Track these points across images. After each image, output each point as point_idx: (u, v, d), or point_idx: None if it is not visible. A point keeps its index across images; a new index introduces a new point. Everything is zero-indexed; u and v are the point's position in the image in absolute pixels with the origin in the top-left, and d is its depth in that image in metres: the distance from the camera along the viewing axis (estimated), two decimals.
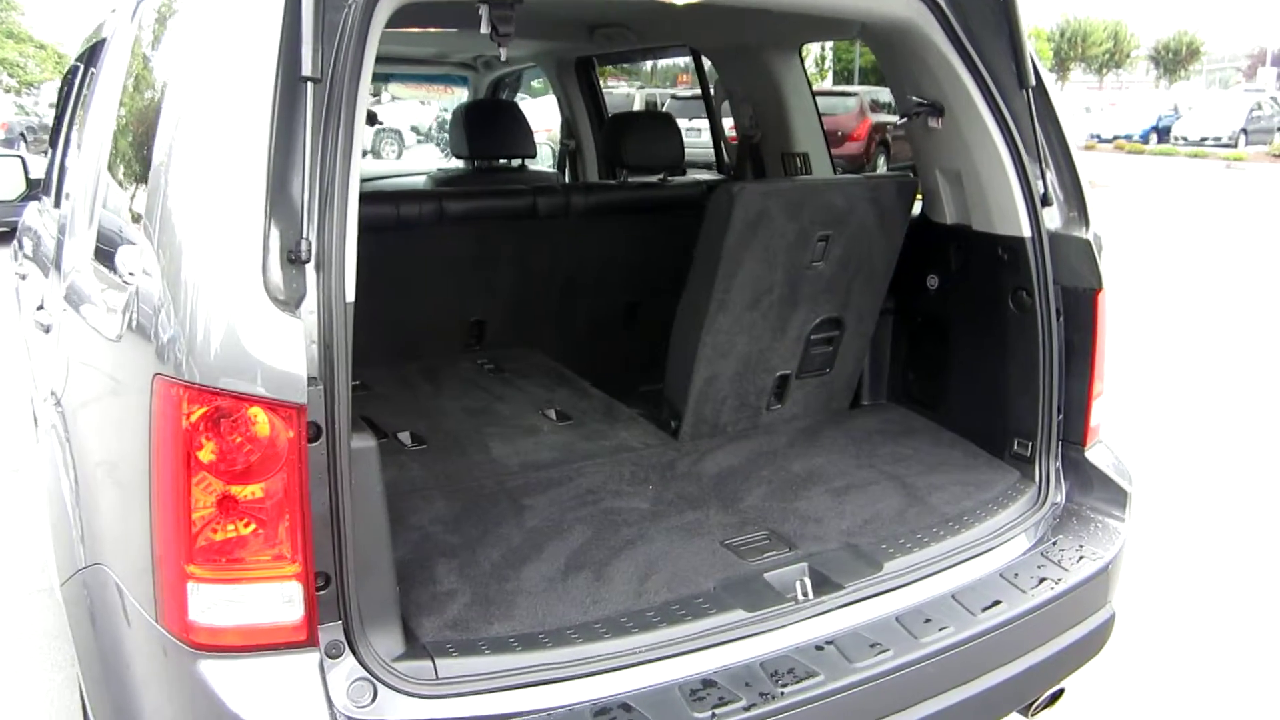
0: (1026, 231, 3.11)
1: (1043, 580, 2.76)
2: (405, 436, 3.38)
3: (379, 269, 3.92)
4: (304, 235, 2.02)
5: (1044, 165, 3.07)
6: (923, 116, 3.27)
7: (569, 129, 6.14)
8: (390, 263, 3.93)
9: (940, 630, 2.49)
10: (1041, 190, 3.09)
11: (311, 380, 2.03)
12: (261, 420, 1.96)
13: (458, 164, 5.86)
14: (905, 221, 3.50)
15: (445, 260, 4.03)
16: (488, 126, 5.27)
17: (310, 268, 2.05)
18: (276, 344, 1.95)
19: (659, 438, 3.48)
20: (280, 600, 2.03)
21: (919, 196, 3.54)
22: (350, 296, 2.11)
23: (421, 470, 3.17)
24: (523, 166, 5.78)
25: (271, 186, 2.01)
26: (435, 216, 3.92)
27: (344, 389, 2.07)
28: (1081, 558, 2.89)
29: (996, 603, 2.64)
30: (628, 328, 4.49)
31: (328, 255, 2.06)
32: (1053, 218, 3.13)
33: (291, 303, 2.02)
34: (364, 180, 2.43)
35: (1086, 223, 3.08)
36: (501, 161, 5.64)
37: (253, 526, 1.98)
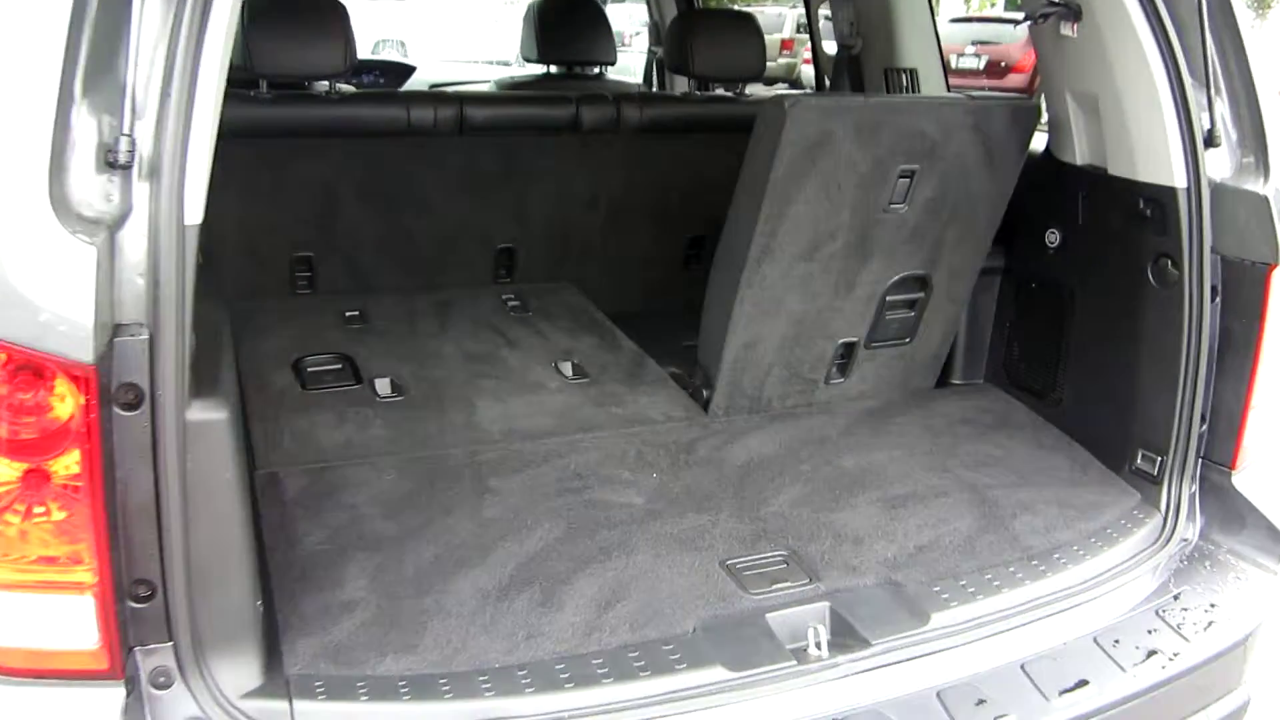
0: (1180, 180, 2.32)
1: (1152, 654, 2.05)
2: (383, 384, 2.85)
3: (385, 182, 3.36)
4: (126, 131, 1.47)
5: (1213, 93, 2.27)
6: (1053, 20, 2.49)
7: (657, 34, 5.42)
8: (400, 176, 3.37)
9: None
10: (1206, 126, 2.29)
11: (123, 329, 1.49)
12: (37, 382, 1.43)
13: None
14: (1020, 158, 2.72)
15: (467, 176, 3.44)
16: (563, 26, 4.63)
17: (135, 176, 1.49)
18: (57, 279, 1.41)
19: (686, 409, 2.85)
20: (68, 616, 1.53)
21: (1041, 127, 2.75)
22: (194, 217, 1.54)
23: (384, 430, 2.63)
24: (601, 75, 5.13)
25: (77, 59, 1.45)
26: (454, 124, 3.32)
27: (175, 340, 1.51)
28: (1211, 622, 2.16)
29: (1082, 683, 1.95)
30: (688, 268, 3.83)
31: (162, 160, 1.50)
32: (1219, 164, 2.34)
33: (105, 222, 1.48)
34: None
35: (1266, 173, 2.29)
36: (580, 69, 5.01)
37: (21, 520, 1.47)
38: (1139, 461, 2.53)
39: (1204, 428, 2.40)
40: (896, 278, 2.81)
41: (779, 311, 2.73)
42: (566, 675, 1.79)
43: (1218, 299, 2.33)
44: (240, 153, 3.12)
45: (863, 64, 3.80)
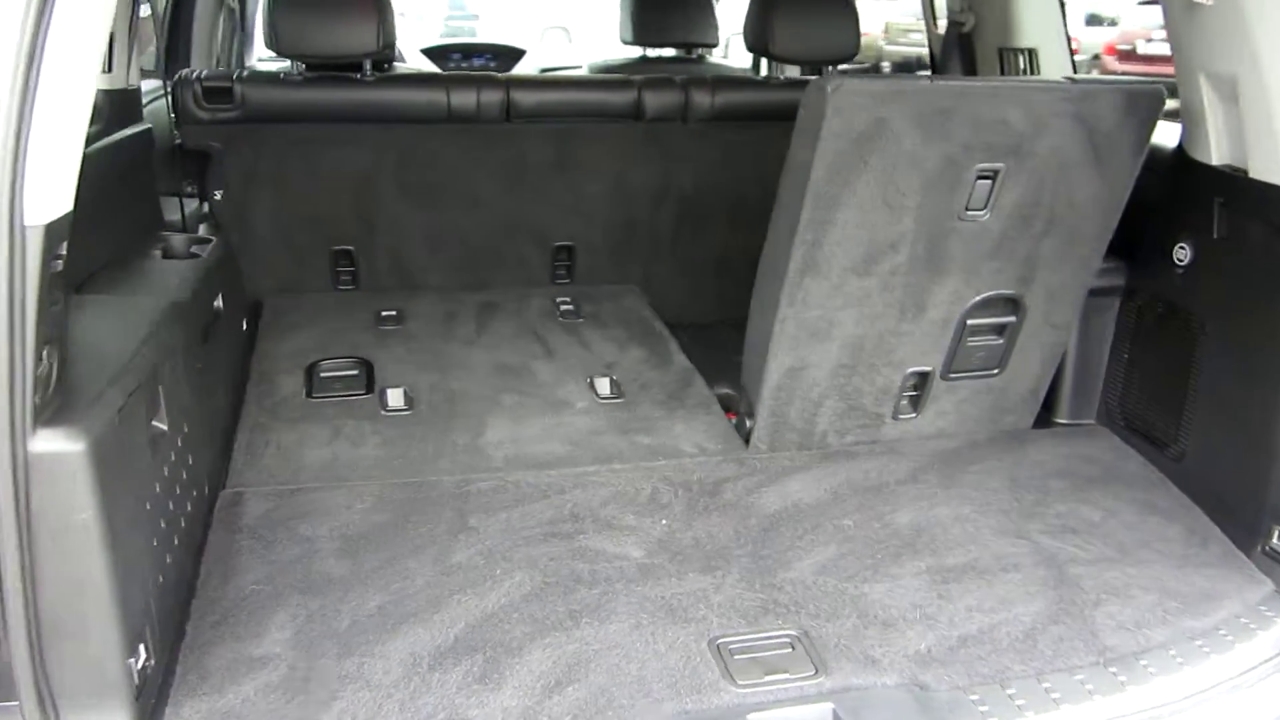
0: None
1: None
2: (395, 395, 2.59)
3: (427, 171, 3.11)
4: None
5: None
6: None
7: None
8: (443, 165, 3.10)
9: None
10: None
11: None
12: None
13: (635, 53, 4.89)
14: (1137, 155, 2.22)
15: (516, 167, 3.14)
16: (659, 6, 4.30)
17: None
18: None
19: (725, 441, 2.48)
20: None
21: (1164, 116, 2.24)
22: (38, 217, 1.29)
23: (377, 449, 2.36)
24: (701, 59, 4.76)
25: None
26: (499, 110, 3.03)
27: (7, 358, 1.27)
28: None
29: None
30: None
31: None
32: None
33: None
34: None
35: None
36: (682, 52, 4.67)
37: None
38: (1275, 539, 2.02)
39: None
40: (979, 298, 2.35)
41: (830, 334, 2.32)
42: None
43: None
44: (272, 138, 2.95)
45: (975, 43, 3.30)
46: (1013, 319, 2.41)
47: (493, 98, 3.02)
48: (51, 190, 1.34)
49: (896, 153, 2.06)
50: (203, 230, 3.01)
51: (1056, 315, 2.43)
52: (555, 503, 2.17)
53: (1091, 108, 2.11)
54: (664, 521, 2.14)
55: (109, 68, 2.54)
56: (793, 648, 1.78)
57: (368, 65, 2.96)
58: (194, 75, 2.88)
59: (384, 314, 3.10)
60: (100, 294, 2.09)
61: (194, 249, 2.50)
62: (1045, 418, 2.68)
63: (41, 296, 1.34)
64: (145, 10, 2.86)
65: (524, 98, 3.04)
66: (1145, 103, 2.15)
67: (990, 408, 2.56)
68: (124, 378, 1.59)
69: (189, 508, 1.90)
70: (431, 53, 6.34)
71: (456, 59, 6.36)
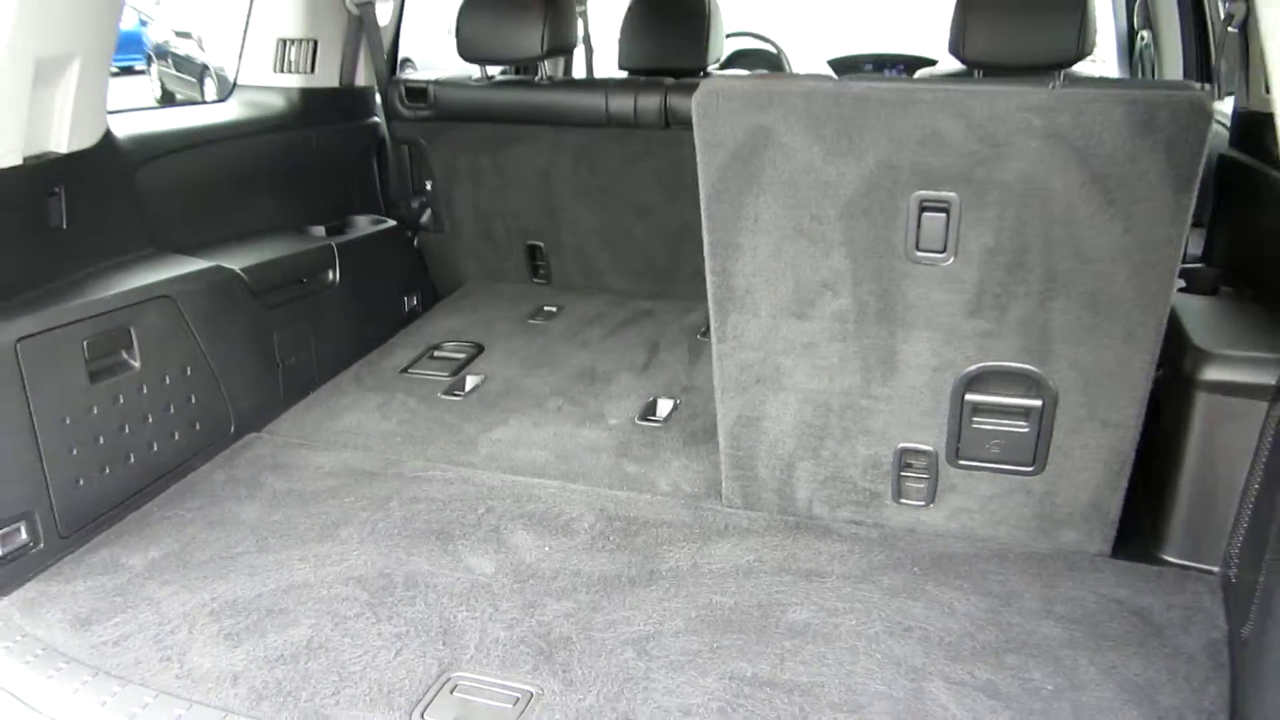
0: None
1: None
2: (468, 382, 2.77)
3: (594, 174, 3.18)
4: None
5: None
6: None
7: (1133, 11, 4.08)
8: (607, 169, 3.13)
9: None
10: None
11: None
12: None
13: None
14: (1184, 188, 1.57)
15: (678, 175, 3.04)
16: (660, 29, 3.37)
17: None
18: None
19: (705, 488, 2.25)
20: None
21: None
22: None
23: (393, 425, 2.56)
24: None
25: None
26: (657, 116, 2.99)
27: None
28: None
29: None
30: None
31: None
32: None
33: None
34: None
35: None
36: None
37: None
38: None
39: None
40: (974, 368, 1.83)
41: (782, 383, 1.98)
42: None
43: None
44: (463, 136, 3.24)
45: (1248, 40, 2.44)
46: (1037, 403, 1.84)
47: (650, 103, 2.99)
48: None
49: (792, 169, 1.70)
50: (425, 218, 3.43)
51: (1105, 408, 1.80)
52: (474, 505, 2.17)
53: (1074, 122, 1.54)
54: (546, 548, 2.03)
55: (311, 69, 3.01)
56: (514, 704, 1.62)
57: (544, 68, 3.10)
58: (398, 77, 3.27)
59: (545, 309, 3.25)
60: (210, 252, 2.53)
61: (350, 233, 2.96)
62: (1150, 552, 1.99)
63: None
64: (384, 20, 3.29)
65: (681, 103, 2.95)
66: (1171, 115, 1.50)
67: (1033, 515, 1.97)
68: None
69: (158, 433, 2.23)
70: (839, 64, 6.18)
71: (868, 69, 6.12)
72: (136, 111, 2.69)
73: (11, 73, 1.92)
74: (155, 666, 1.71)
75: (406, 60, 6.83)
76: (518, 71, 3.41)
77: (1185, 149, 1.54)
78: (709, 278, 1.90)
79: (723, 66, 4.84)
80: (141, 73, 13.31)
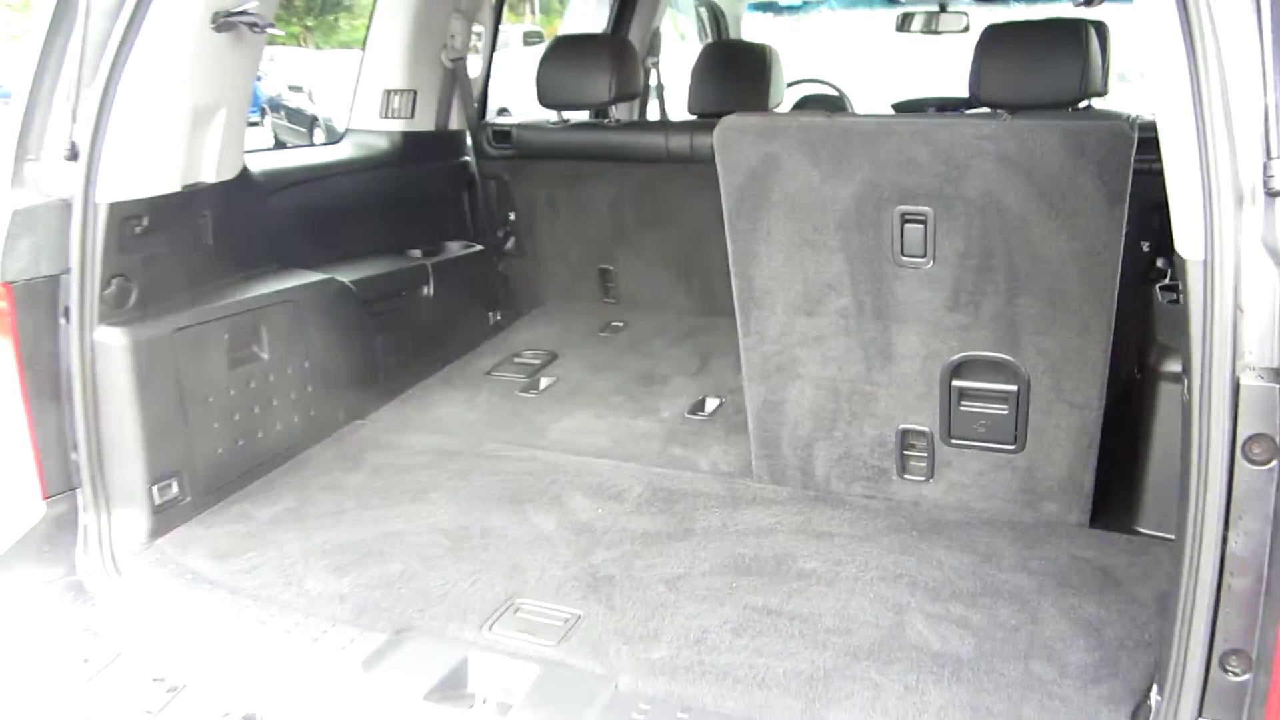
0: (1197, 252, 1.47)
1: None
2: (542, 382, 3.17)
3: (658, 207, 3.59)
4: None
5: None
6: None
7: None
8: (670, 202, 3.53)
9: None
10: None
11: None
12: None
13: None
14: (1114, 200, 1.88)
15: None
16: (724, 76, 3.80)
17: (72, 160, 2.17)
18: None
19: (739, 466, 2.59)
20: None
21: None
22: (108, 195, 2.14)
23: (475, 414, 2.96)
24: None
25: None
26: (711, 152, 3.37)
27: (86, 277, 2.14)
28: None
29: None
30: None
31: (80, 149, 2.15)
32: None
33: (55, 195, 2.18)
34: None
35: None
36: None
37: None
38: None
39: None
40: (957, 358, 2.16)
41: (798, 372, 2.33)
42: None
43: None
44: (541, 172, 3.69)
45: None
46: (1014, 388, 2.15)
47: (704, 142, 3.37)
48: (118, 176, 2.18)
49: (796, 189, 2.06)
50: (509, 245, 3.88)
51: (1070, 391, 2.11)
52: (541, 478, 2.56)
53: (1020, 148, 1.87)
54: (600, 510, 2.40)
55: (412, 115, 3.50)
56: (564, 622, 1.98)
57: (613, 112, 3.53)
58: (486, 121, 3.74)
59: (613, 323, 3.65)
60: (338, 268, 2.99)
61: (443, 255, 3.40)
62: (1126, 525, 2.27)
63: (108, 248, 2.19)
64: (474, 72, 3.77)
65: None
66: (1098, 141, 1.83)
67: (1018, 489, 2.27)
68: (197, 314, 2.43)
69: (281, 415, 2.67)
70: (902, 106, 6.52)
71: (931, 112, 6.46)
72: (267, 151, 3.19)
73: (176, 118, 2.40)
74: (278, 589, 2.12)
75: (504, 110, 7.38)
76: (591, 115, 3.85)
77: (1113, 170, 1.86)
78: (734, 281, 2.27)
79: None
80: (256, 124, 14.33)
